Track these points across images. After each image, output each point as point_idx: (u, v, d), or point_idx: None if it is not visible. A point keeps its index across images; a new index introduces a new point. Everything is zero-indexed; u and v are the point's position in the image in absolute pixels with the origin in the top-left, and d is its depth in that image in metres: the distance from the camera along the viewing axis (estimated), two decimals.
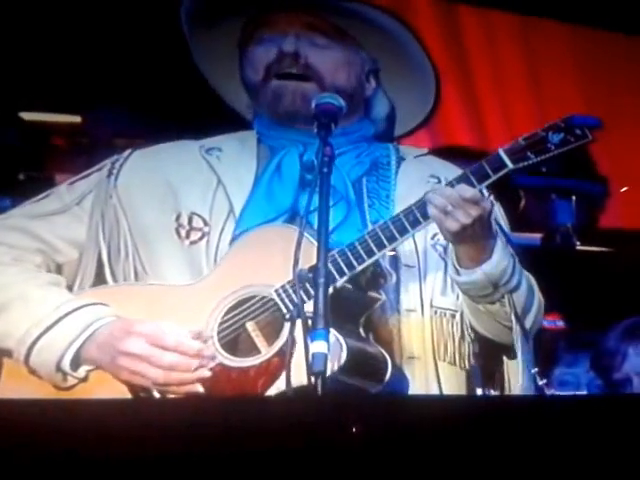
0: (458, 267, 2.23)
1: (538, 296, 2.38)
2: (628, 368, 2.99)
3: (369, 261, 2.20)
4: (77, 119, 2.95)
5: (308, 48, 2.48)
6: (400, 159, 2.56)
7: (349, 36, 2.52)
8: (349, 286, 2.20)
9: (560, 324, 3.10)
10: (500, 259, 2.21)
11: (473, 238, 2.17)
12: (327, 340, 1.82)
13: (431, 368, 2.35)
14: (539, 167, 2.20)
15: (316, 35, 2.49)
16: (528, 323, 2.33)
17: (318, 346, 1.81)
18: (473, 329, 2.38)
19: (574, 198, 3.25)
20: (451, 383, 2.36)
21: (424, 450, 1.78)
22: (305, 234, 2.01)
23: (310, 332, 1.84)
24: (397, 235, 2.19)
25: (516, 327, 2.28)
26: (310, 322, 1.86)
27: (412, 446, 1.77)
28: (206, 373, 2.19)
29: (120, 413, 1.82)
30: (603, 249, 3.28)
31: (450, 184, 2.18)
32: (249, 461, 1.71)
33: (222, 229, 2.38)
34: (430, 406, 2.05)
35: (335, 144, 2.19)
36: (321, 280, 1.89)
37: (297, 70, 2.46)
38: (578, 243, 3.23)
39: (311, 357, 1.80)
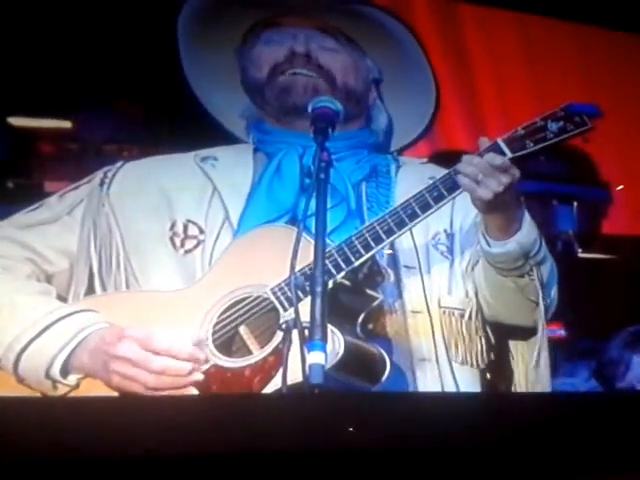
0: (489, 238, 2.23)
1: (557, 276, 2.39)
2: (631, 377, 2.96)
3: (373, 252, 2.19)
4: (67, 124, 2.91)
5: (318, 50, 2.49)
6: (399, 167, 2.57)
7: (355, 42, 2.53)
8: (346, 283, 2.19)
9: (561, 333, 3.05)
10: (530, 229, 2.23)
11: (504, 206, 2.18)
12: (324, 351, 1.79)
13: (446, 369, 2.34)
14: (538, 155, 2.19)
15: (325, 38, 2.50)
16: (547, 301, 2.34)
17: (315, 357, 1.77)
18: (489, 320, 2.37)
19: (575, 204, 3.23)
20: (467, 383, 2.35)
21: (422, 448, 1.77)
22: (303, 234, 1.98)
23: (307, 343, 1.80)
24: (395, 228, 2.19)
25: (543, 301, 2.30)
26: (307, 332, 1.83)
27: (410, 445, 1.76)
28: (198, 376, 2.16)
29: (114, 412, 1.81)
30: (605, 256, 3.25)
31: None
32: (246, 460, 1.70)
33: (217, 236, 2.37)
34: (427, 404, 2.05)
35: (336, 148, 2.20)
36: (318, 289, 1.86)
37: (309, 70, 2.47)
38: (580, 250, 3.20)
39: (308, 369, 1.77)
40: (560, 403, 2.29)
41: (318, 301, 1.84)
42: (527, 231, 2.22)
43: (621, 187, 3.32)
